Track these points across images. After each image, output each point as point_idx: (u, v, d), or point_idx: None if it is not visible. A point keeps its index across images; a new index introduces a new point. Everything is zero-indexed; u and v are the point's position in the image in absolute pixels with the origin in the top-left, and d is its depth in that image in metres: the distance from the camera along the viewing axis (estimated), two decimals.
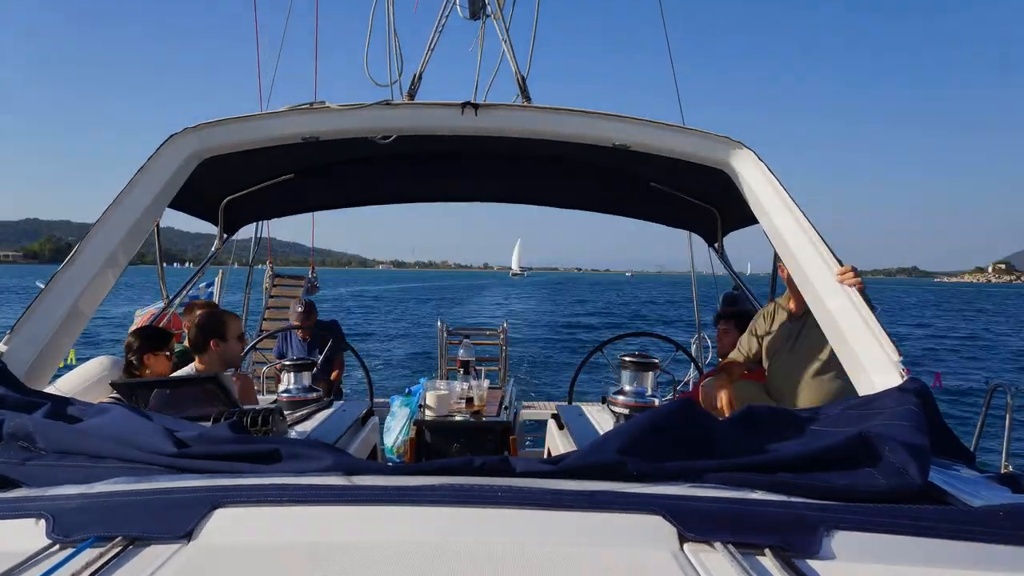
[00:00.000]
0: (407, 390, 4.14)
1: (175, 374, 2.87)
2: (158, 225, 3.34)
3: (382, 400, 4.95)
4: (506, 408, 3.92)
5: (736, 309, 3.32)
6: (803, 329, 3.10)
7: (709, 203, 3.94)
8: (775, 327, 3.51)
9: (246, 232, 4.86)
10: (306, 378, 3.08)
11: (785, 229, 2.16)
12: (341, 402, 2.83)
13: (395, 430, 3.15)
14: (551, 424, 2.71)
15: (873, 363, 1.82)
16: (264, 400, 3.50)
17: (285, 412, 2.47)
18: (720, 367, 3.58)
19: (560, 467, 1.25)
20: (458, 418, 3.70)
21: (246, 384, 2.89)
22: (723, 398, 2.78)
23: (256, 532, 0.97)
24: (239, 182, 3.76)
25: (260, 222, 4.99)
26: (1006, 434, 2.14)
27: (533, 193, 4.70)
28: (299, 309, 5.50)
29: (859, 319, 1.90)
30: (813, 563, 0.93)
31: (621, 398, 2.65)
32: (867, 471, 1.21)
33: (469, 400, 3.79)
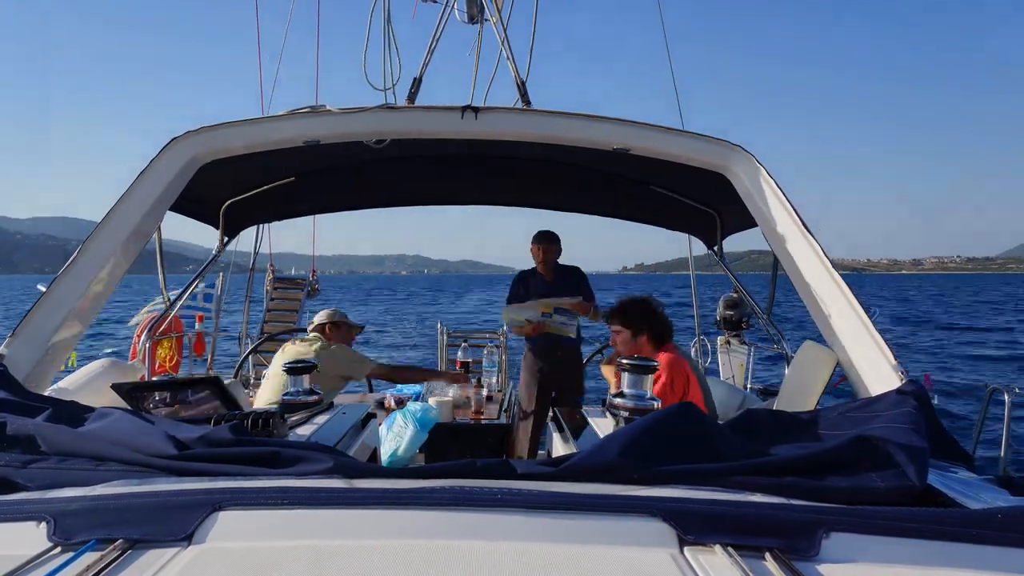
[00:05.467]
0: (414, 396, 4.14)
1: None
2: (159, 228, 3.35)
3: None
4: (506, 410, 3.93)
5: (620, 307, 3.22)
6: None
7: (708, 206, 3.95)
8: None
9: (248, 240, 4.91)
10: (306, 380, 3.08)
11: (783, 233, 2.17)
12: (341, 405, 2.83)
13: (402, 447, 3.13)
14: (551, 427, 2.71)
15: (871, 366, 1.82)
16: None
17: (285, 415, 2.46)
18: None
19: (561, 469, 1.25)
20: (459, 420, 3.71)
21: None
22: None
23: (257, 535, 0.97)
24: (240, 185, 3.77)
25: (260, 225, 5.00)
26: (1004, 437, 2.15)
27: (532, 196, 4.71)
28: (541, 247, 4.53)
29: (857, 322, 1.91)
30: (813, 565, 0.93)
31: (621, 401, 2.65)
32: (866, 473, 1.21)
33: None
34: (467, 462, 1.22)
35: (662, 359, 2.90)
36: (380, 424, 3.17)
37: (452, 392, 4.00)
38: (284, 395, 2.66)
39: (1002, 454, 2.08)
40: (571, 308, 4.25)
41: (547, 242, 4.51)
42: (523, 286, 4.59)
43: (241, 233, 4.45)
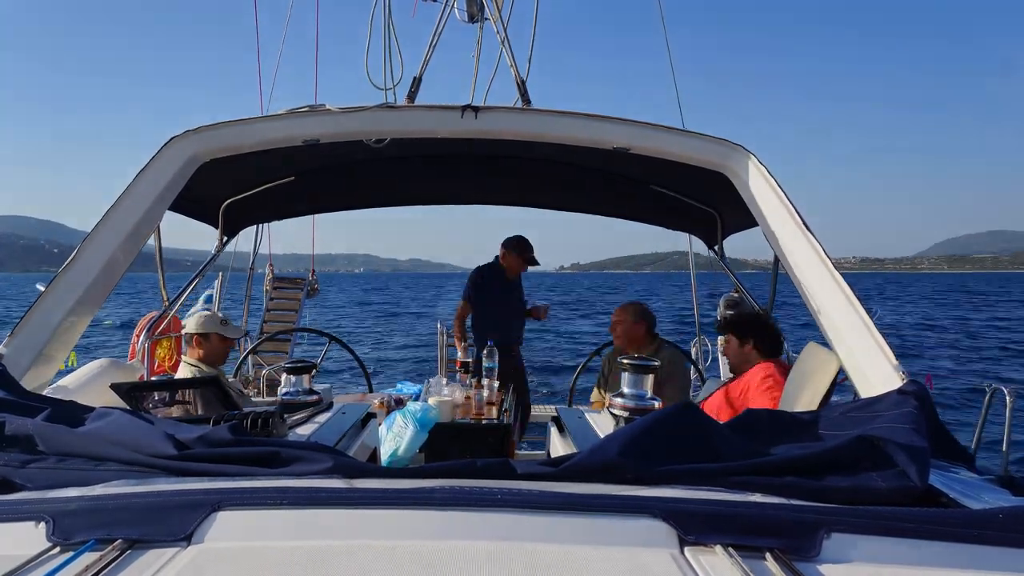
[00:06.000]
0: (413, 395, 4.13)
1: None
2: (159, 228, 3.35)
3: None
4: (506, 411, 3.93)
5: (734, 317, 3.45)
6: None
7: (709, 206, 3.95)
8: (614, 374, 3.93)
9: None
10: (306, 380, 3.09)
11: (784, 232, 2.16)
12: (341, 404, 2.82)
13: (402, 447, 3.11)
14: (551, 427, 2.71)
15: (872, 366, 1.82)
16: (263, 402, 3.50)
17: (285, 414, 2.46)
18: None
19: (561, 469, 1.25)
20: (459, 420, 3.71)
21: None
22: None
23: (256, 535, 0.97)
24: (239, 185, 3.77)
25: (260, 225, 5.00)
26: (1005, 437, 2.14)
27: (533, 196, 4.72)
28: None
29: (858, 322, 1.90)
30: (814, 566, 0.93)
31: (621, 401, 2.65)
32: (867, 473, 1.21)
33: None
34: (467, 462, 1.22)
35: (766, 366, 2.98)
36: (380, 424, 3.16)
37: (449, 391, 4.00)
38: (284, 395, 2.66)
39: (1004, 454, 2.07)
40: (536, 315, 4.61)
41: (530, 253, 4.85)
42: (484, 282, 4.92)
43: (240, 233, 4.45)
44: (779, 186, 2.21)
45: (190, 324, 3.39)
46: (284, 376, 3.24)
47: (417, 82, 2.57)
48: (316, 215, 6.02)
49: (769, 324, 3.21)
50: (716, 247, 4.32)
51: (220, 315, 3.61)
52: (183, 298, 3.97)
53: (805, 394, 2.35)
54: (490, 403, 3.88)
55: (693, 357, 5.19)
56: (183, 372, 3.30)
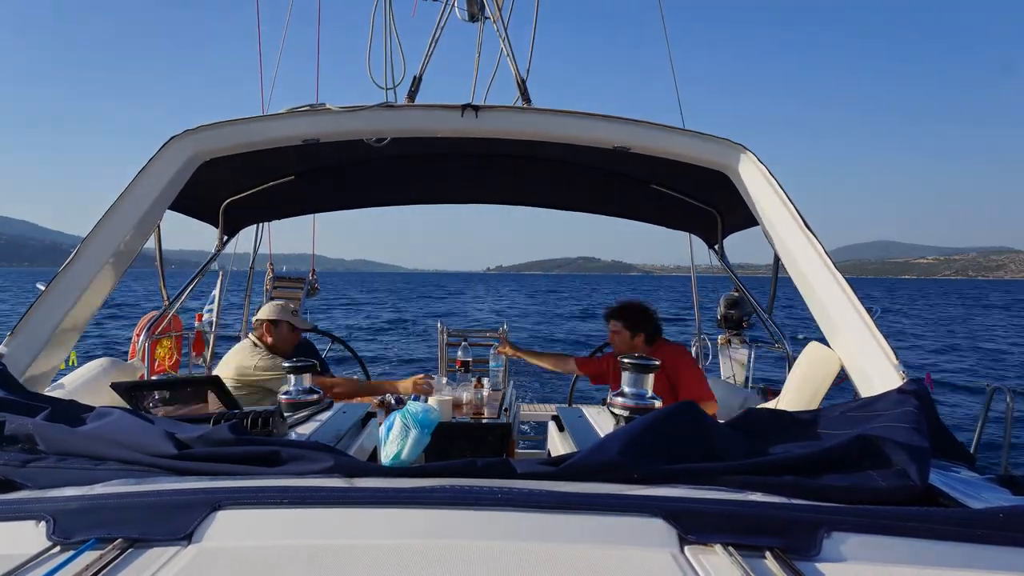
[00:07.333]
0: (413, 396, 4.13)
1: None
2: (159, 227, 3.36)
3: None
4: (506, 409, 3.93)
5: (624, 309, 3.67)
6: None
7: (709, 205, 3.95)
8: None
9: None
10: (307, 379, 3.11)
11: (784, 231, 2.17)
12: (341, 404, 2.82)
13: (404, 450, 3.09)
14: (551, 426, 2.71)
15: (872, 365, 1.82)
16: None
17: (285, 414, 2.47)
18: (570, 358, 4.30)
19: (561, 469, 1.25)
20: (459, 420, 3.71)
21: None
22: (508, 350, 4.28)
23: (256, 534, 0.97)
24: (239, 184, 3.77)
25: (260, 224, 5.01)
26: (1006, 436, 2.14)
27: (533, 195, 4.72)
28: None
29: (858, 321, 1.90)
30: (814, 565, 0.93)
31: (621, 400, 2.65)
32: (867, 473, 1.21)
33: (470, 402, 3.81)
34: (467, 461, 1.22)
35: (667, 349, 3.42)
36: (380, 424, 3.16)
37: (449, 391, 4.00)
38: (283, 394, 2.66)
39: (1004, 454, 2.08)
40: None
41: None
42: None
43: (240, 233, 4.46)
44: (779, 185, 2.21)
45: (263, 311, 3.74)
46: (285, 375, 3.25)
47: (417, 81, 2.57)
48: (314, 215, 6.02)
49: (655, 317, 3.56)
50: (716, 246, 4.32)
51: (292, 306, 3.87)
52: (183, 298, 3.98)
53: (805, 394, 2.35)
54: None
55: (692, 355, 5.20)
56: (244, 345, 3.62)
